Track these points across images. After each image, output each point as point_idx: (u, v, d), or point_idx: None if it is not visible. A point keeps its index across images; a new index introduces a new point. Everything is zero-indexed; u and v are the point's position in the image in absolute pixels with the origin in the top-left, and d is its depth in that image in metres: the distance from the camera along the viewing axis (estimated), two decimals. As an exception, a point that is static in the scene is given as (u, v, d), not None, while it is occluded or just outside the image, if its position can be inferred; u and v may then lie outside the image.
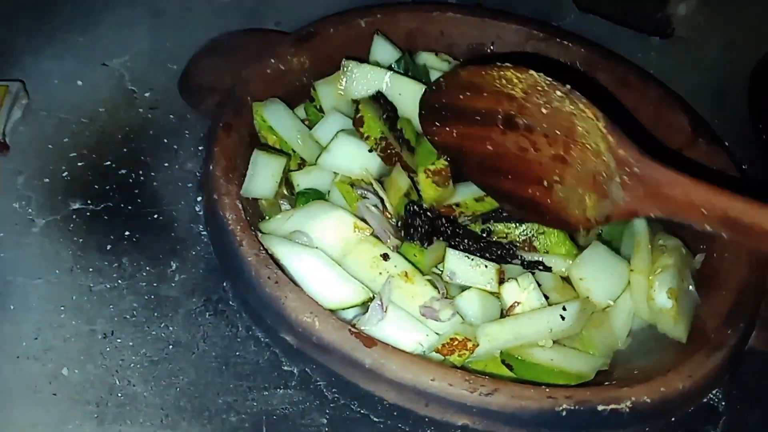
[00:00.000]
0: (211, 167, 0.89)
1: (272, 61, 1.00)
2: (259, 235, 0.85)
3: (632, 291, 0.87)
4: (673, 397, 0.76)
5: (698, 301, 0.87)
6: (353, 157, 0.92)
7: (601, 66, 1.08)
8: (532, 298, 0.83)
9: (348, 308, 0.82)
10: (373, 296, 0.82)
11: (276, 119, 0.96)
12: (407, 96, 0.96)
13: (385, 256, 0.85)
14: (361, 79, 0.97)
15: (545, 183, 0.77)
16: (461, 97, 0.80)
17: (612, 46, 1.13)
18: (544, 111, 0.72)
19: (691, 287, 0.87)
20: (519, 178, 0.80)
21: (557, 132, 0.72)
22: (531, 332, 0.80)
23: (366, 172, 0.92)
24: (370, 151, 0.92)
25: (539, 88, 0.72)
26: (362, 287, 0.82)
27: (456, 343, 0.78)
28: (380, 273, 0.84)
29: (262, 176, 0.92)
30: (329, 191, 0.95)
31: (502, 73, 0.75)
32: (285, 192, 0.96)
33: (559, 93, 0.71)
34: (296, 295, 0.78)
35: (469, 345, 0.79)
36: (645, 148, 0.70)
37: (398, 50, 1.04)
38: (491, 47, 1.13)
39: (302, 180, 0.95)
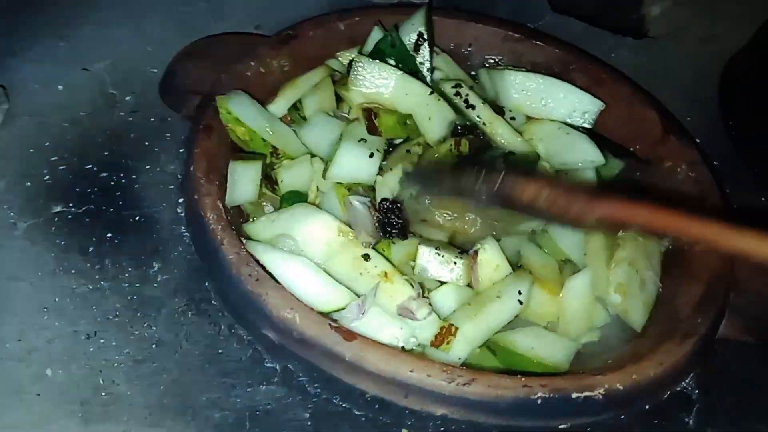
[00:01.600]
0: (191, 168, 0.89)
1: (252, 63, 1.02)
2: (245, 242, 0.85)
3: (594, 283, 0.90)
4: (645, 384, 0.77)
5: (659, 285, 0.91)
6: (360, 165, 0.93)
7: (574, 66, 1.10)
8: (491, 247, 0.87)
9: (333, 312, 0.83)
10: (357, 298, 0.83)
11: (242, 110, 0.95)
12: (413, 97, 1.00)
13: (366, 257, 0.86)
14: (370, 77, 0.99)
15: None
16: None
17: (586, 46, 1.15)
18: None
19: (650, 272, 0.90)
20: None
21: None
22: (502, 321, 0.84)
23: (371, 176, 0.94)
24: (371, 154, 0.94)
25: None
26: (347, 291, 0.83)
27: (444, 331, 0.81)
28: (361, 273, 0.85)
29: (243, 184, 0.93)
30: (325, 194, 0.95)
31: None
32: (266, 191, 0.96)
33: None
34: (277, 292, 0.79)
35: (453, 329, 0.81)
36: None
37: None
38: (469, 48, 1.16)
39: (285, 175, 0.96)
